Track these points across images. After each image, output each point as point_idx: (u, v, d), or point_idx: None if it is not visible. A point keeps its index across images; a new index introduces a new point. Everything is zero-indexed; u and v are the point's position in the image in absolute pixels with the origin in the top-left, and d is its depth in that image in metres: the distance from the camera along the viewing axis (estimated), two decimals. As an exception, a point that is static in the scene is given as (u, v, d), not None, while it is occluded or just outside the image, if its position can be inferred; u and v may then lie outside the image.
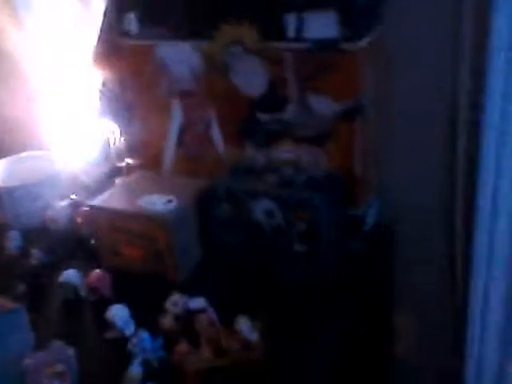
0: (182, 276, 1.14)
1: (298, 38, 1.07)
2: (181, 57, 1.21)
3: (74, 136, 1.51)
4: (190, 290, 1.06)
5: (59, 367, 0.89)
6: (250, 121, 1.20)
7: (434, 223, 1.30)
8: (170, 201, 1.15)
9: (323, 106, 1.12)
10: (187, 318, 1.00)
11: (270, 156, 1.21)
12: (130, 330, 0.99)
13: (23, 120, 1.51)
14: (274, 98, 1.16)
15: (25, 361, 0.91)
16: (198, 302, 1.01)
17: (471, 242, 1.19)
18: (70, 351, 0.90)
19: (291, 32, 1.07)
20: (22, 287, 1.13)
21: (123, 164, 1.46)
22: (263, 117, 1.19)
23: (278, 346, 0.93)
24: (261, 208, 1.10)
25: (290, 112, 1.16)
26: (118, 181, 1.39)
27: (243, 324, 0.92)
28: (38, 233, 1.32)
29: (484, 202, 1.15)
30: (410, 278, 1.35)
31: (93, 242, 1.26)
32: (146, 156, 1.37)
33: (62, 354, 0.91)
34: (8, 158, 1.45)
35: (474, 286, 1.21)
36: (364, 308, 1.18)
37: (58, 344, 0.93)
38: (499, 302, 1.20)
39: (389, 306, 1.36)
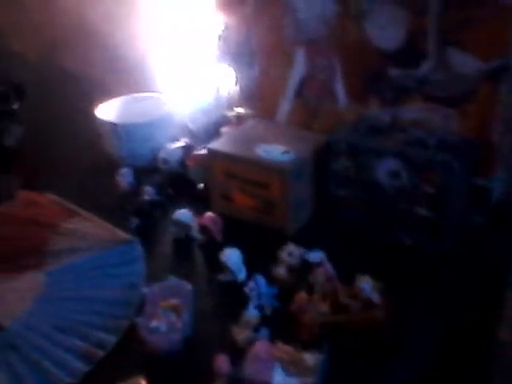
0: (293, 228, 1.11)
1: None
2: (312, 0, 1.16)
3: (189, 81, 1.50)
4: (303, 243, 1.03)
5: (176, 301, 0.88)
6: (379, 75, 1.13)
7: None
8: (287, 151, 1.12)
9: (465, 63, 1.03)
10: (302, 270, 0.97)
11: (397, 115, 1.14)
12: (242, 275, 0.97)
13: (141, 61, 1.52)
14: (409, 53, 1.09)
15: (143, 290, 0.92)
16: (316, 255, 0.97)
17: None
18: (188, 286, 0.89)
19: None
20: (135, 222, 1.14)
21: (233, 113, 1.44)
22: (395, 72, 1.12)
23: (397, 308, 0.88)
24: (384, 167, 1.04)
25: (425, 68, 1.08)
26: (227, 129, 1.37)
27: (365, 283, 0.87)
28: (148, 172, 1.33)
29: None
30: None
31: (201, 186, 1.26)
32: (260, 105, 1.33)
33: (179, 288, 0.90)
34: (124, 97, 1.46)
35: None
36: (478, 283, 1.12)
37: (174, 278, 0.93)
38: None
39: (502, 286, 1.28)
